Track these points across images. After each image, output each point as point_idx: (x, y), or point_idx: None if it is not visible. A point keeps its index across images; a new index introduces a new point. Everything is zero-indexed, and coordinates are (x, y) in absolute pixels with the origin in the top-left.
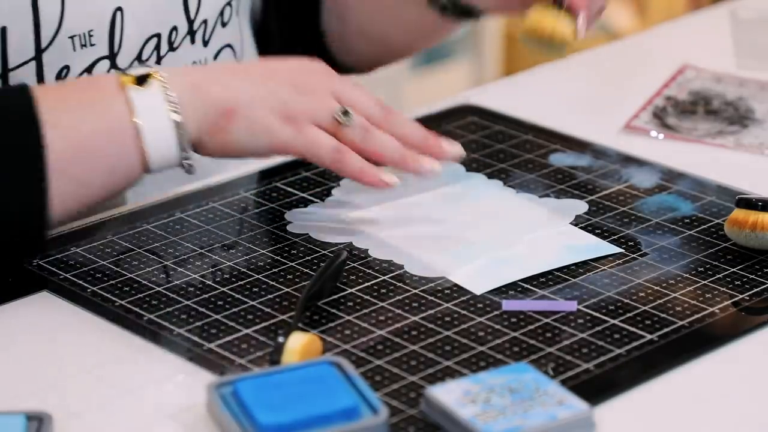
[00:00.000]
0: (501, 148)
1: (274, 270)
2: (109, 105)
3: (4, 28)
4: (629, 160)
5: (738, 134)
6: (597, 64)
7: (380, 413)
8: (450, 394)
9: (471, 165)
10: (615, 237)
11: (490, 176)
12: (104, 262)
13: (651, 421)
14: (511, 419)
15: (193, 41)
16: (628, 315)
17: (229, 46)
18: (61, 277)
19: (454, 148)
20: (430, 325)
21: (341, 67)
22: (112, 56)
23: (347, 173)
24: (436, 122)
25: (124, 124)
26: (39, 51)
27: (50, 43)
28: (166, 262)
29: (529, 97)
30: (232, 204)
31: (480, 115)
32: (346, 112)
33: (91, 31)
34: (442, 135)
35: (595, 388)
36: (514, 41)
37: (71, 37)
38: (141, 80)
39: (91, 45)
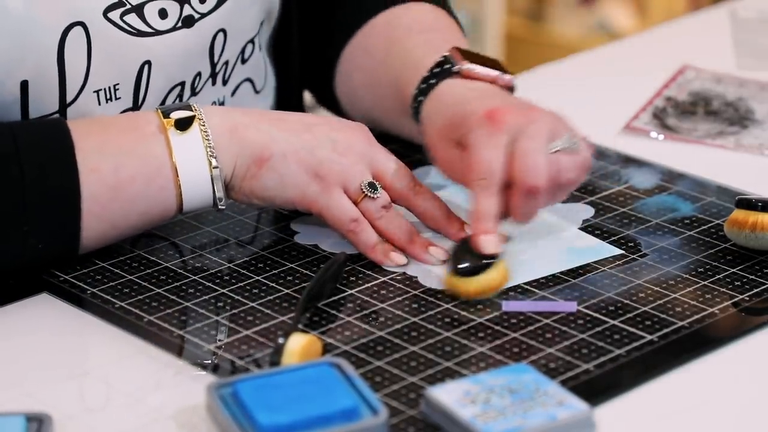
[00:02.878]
0: None
1: (274, 271)
2: (148, 150)
3: (25, 82)
4: (629, 161)
5: (738, 135)
6: (597, 64)
7: (380, 414)
8: (450, 395)
9: None
10: (615, 238)
11: None
12: (104, 264)
13: (651, 421)
14: (511, 419)
15: (214, 83)
16: (628, 316)
17: (248, 80)
18: (61, 278)
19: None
20: (430, 326)
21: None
22: (135, 107)
23: (359, 245)
24: None
25: (163, 170)
26: (63, 106)
27: (75, 99)
28: (166, 264)
29: (529, 97)
30: (232, 206)
31: None
32: (373, 186)
33: (117, 85)
34: None
35: (595, 389)
36: (514, 41)
37: (96, 92)
38: (182, 124)
39: (117, 98)
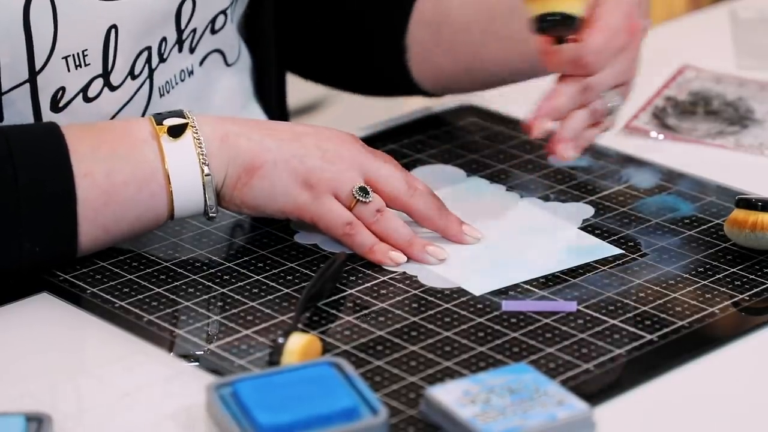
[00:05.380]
0: (501, 149)
1: (273, 271)
2: (141, 156)
3: None
4: (629, 161)
5: (738, 134)
6: None
7: (380, 414)
8: (450, 395)
9: (471, 166)
10: (615, 237)
11: (490, 177)
12: (104, 264)
13: (651, 421)
14: (510, 419)
15: (180, 50)
16: (628, 315)
17: (218, 51)
18: (61, 278)
19: (472, 233)
20: (430, 326)
21: (413, 86)
22: (105, 74)
23: (356, 248)
24: (436, 123)
25: (155, 176)
26: (33, 74)
27: (44, 66)
28: (165, 263)
29: (529, 98)
30: None
31: (480, 116)
32: (365, 191)
33: (86, 50)
34: (443, 137)
35: (595, 388)
36: None
37: (65, 58)
38: (175, 131)
39: (86, 65)
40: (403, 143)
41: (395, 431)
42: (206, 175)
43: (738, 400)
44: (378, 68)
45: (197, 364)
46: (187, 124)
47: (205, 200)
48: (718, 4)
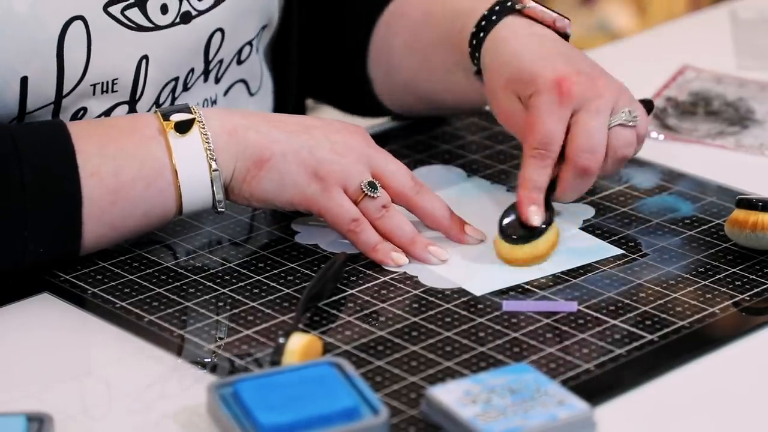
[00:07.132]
0: (501, 149)
1: (274, 271)
2: (148, 152)
3: (25, 78)
4: (629, 161)
5: (738, 135)
6: None
7: (381, 414)
8: (450, 395)
9: (471, 166)
10: (615, 237)
11: (491, 177)
12: (104, 264)
13: (651, 421)
14: (511, 419)
15: (206, 80)
16: (629, 315)
17: (242, 81)
18: (62, 278)
19: (475, 234)
20: (431, 326)
21: (386, 110)
22: (132, 101)
23: (360, 245)
24: (437, 123)
25: (163, 172)
26: (60, 97)
27: (71, 91)
28: (166, 264)
29: None
30: (232, 205)
31: (480, 116)
32: (373, 186)
33: (116, 79)
34: (443, 136)
35: (595, 388)
36: None
37: (93, 85)
38: (182, 127)
39: (113, 91)
40: (404, 143)
41: (396, 431)
42: (214, 170)
43: (738, 400)
44: (352, 96)
45: (198, 364)
46: (194, 119)
47: (213, 195)
48: (718, 4)
